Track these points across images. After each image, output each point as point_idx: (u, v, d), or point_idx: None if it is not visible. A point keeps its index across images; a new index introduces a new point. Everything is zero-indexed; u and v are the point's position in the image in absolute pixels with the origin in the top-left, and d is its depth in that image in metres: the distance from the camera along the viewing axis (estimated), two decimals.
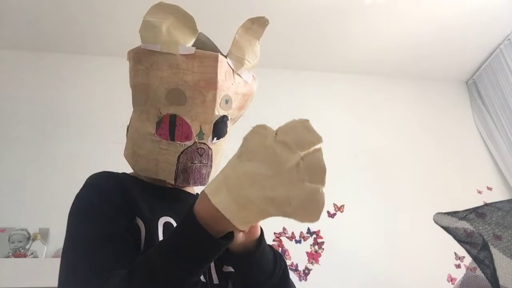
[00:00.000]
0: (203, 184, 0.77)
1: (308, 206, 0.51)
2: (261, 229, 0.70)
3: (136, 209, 0.71)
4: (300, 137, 0.51)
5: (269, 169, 0.51)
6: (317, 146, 0.52)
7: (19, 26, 2.51)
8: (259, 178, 0.51)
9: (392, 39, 2.79)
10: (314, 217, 0.51)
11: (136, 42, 0.80)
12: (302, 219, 0.52)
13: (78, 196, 0.72)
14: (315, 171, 0.51)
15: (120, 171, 0.82)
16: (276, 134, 0.52)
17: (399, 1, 2.49)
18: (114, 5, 2.40)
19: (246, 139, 0.54)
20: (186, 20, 0.78)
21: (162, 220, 0.73)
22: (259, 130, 0.54)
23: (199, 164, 0.77)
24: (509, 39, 2.81)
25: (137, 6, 2.35)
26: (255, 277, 0.69)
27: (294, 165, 0.50)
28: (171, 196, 0.82)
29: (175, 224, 0.74)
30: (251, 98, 0.88)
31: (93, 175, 0.75)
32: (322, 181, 0.51)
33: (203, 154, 0.77)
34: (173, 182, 0.77)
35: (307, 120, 0.53)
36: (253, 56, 0.84)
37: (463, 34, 2.78)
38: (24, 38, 2.61)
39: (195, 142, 0.76)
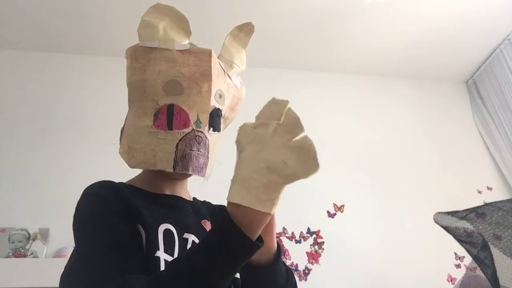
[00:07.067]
0: (201, 174, 0.78)
1: (304, 158, 0.54)
2: (278, 244, 0.72)
3: (136, 215, 0.72)
4: (270, 112, 0.58)
5: (256, 146, 0.56)
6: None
7: (19, 26, 2.51)
8: (252, 157, 0.56)
9: (392, 38, 2.80)
10: (314, 165, 0.53)
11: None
12: (306, 173, 0.54)
13: (77, 208, 0.72)
14: (293, 125, 0.55)
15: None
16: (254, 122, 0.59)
17: (399, 0, 2.49)
18: (115, 4, 2.40)
19: (236, 140, 0.60)
20: (181, 22, 0.83)
21: (162, 227, 0.74)
22: (241, 128, 0.60)
23: (197, 152, 0.78)
24: (509, 39, 2.81)
25: (139, 6, 2.36)
26: None
27: (272, 132, 0.56)
28: (169, 203, 0.83)
29: (174, 231, 0.75)
30: (240, 102, 0.92)
31: (90, 185, 0.76)
32: (301, 129, 0.55)
33: (201, 142, 0.79)
34: (171, 170, 0.76)
35: (273, 98, 0.59)
36: (241, 62, 0.91)
37: (463, 34, 2.78)
38: (25, 38, 2.61)
39: (193, 129, 0.78)
